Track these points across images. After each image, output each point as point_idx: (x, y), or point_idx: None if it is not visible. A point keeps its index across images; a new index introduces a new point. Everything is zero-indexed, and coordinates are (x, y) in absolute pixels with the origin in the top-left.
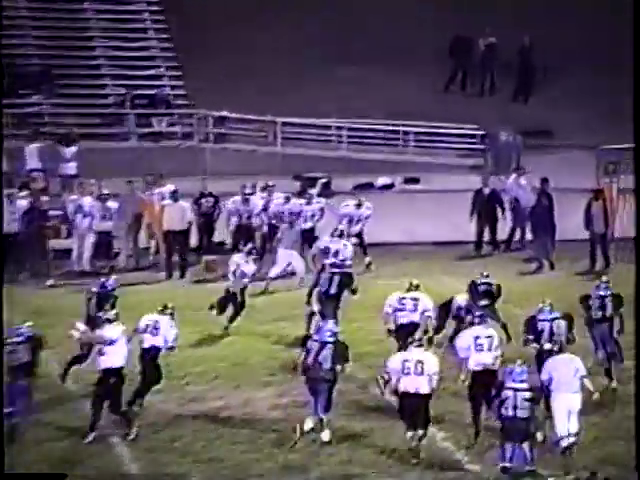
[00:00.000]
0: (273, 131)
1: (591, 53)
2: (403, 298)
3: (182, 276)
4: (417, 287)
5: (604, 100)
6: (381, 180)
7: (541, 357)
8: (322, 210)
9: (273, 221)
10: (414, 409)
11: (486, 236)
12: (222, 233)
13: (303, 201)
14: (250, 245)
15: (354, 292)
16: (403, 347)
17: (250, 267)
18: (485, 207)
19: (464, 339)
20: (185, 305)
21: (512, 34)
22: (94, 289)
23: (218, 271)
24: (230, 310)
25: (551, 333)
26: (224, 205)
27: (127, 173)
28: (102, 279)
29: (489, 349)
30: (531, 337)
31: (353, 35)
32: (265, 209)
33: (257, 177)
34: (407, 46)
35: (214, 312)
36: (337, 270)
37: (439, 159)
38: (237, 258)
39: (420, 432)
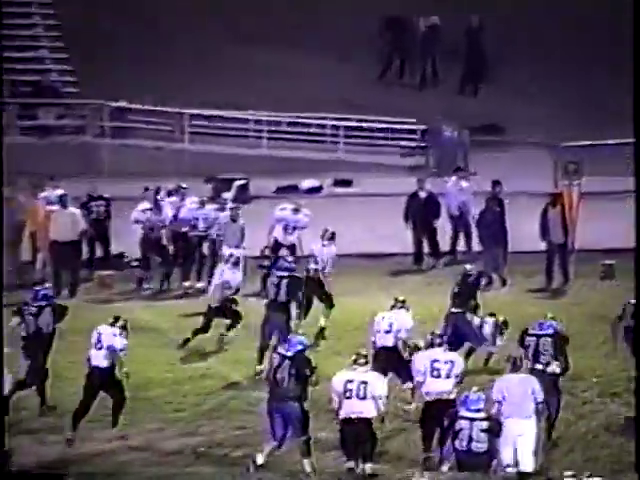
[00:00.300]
0: (180, 125)
1: (552, 38)
2: (382, 318)
3: (72, 294)
4: (403, 303)
5: (564, 92)
6: (307, 182)
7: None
8: None
9: (185, 229)
10: (357, 437)
11: (426, 247)
12: (122, 243)
13: (216, 206)
14: (235, 253)
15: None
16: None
17: (237, 277)
18: (421, 214)
19: (420, 361)
20: (74, 328)
21: (459, 14)
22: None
23: (113, 288)
24: (224, 322)
25: (536, 351)
26: (128, 212)
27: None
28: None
29: (447, 376)
30: (522, 352)
31: (274, 15)
32: (175, 216)
33: (162, 179)
34: (337, 28)
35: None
36: (285, 273)
37: (374, 158)
38: (221, 268)
39: (364, 467)
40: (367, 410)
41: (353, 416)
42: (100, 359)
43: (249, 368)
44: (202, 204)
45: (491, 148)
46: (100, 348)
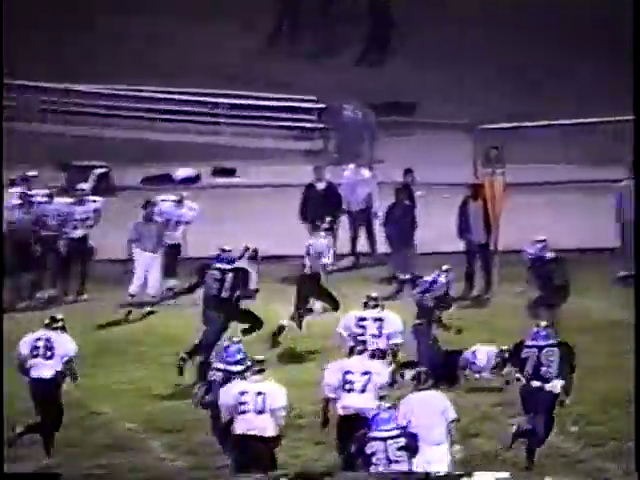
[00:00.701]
0: (24, 102)
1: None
2: (363, 319)
3: None
4: (376, 301)
5: (487, 64)
6: (182, 171)
7: (525, 397)
8: (98, 212)
9: (37, 227)
10: (252, 457)
11: None
12: None
13: (71, 200)
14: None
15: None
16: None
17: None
18: (319, 208)
19: (331, 374)
20: None
21: None
22: None
23: None
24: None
25: (538, 365)
26: None
27: None
28: None
29: (363, 390)
30: (515, 368)
31: None
32: (27, 211)
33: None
34: None
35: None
36: (228, 266)
37: (262, 142)
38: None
39: None
40: (263, 426)
41: (248, 433)
42: (45, 369)
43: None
44: (50, 197)
45: (401, 130)
46: (50, 357)
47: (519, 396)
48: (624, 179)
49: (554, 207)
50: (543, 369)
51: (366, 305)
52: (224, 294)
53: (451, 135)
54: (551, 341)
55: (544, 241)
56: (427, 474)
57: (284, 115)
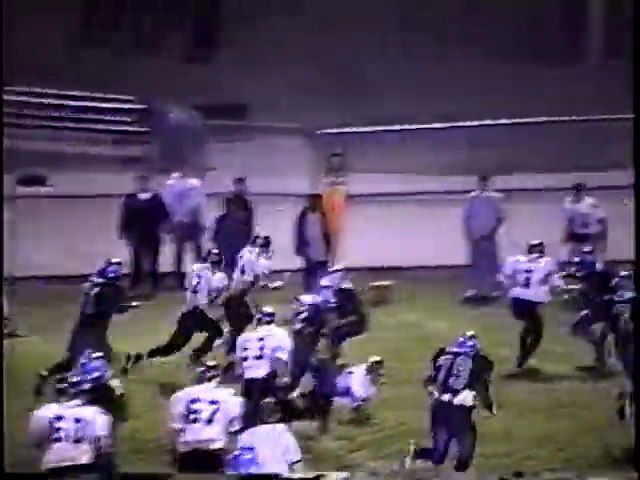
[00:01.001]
0: None
1: None
2: (247, 340)
3: None
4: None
5: (326, 60)
6: None
7: (435, 411)
8: None
9: None
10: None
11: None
12: None
13: None
14: (214, 251)
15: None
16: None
17: (217, 277)
18: (142, 223)
19: (177, 403)
20: None
21: None
22: None
23: None
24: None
25: (448, 374)
26: None
27: None
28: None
29: (209, 420)
30: (430, 375)
31: None
32: None
33: None
34: None
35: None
36: (100, 280)
37: (75, 148)
38: (199, 268)
39: None
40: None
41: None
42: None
43: None
44: None
45: (233, 136)
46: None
47: (430, 411)
48: (474, 189)
49: (404, 220)
50: (452, 379)
51: (259, 322)
52: (88, 309)
53: (288, 141)
54: (468, 351)
55: (341, 270)
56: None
57: (99, 117)
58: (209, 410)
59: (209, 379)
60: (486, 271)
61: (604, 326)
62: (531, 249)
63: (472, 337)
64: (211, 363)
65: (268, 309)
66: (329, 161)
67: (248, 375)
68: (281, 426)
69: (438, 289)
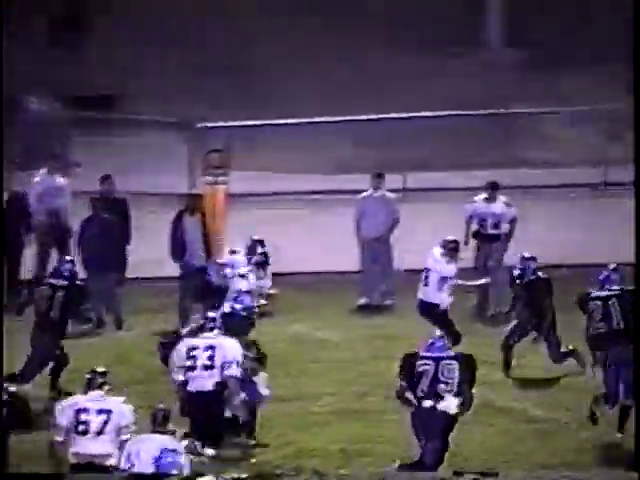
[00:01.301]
0: None
1: None
2: (194, 348)
3: None
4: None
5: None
6: None
7: (416, 419)
8: None
9: None
10: None
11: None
12: None
13: None
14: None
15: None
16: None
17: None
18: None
19: (63, 411)
20: None
21: None
22: None
23: None
24: None
25: (434, 380)
26: None
27: None
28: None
29: (99, 432)
30: (404, 384)
31: None
32: None
33: None
34: None
35: None
36: (63, 282)
37: None
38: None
39: None
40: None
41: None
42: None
43: None
44: None
45: (100, 129)
46: None
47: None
48: (366, 190)
49: (290, 222)
50: (441, 386)
51: (202, 328)
52: (53, 314)
53: (162, 135)
54: (449, 352)
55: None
56: None
57: None
58: (98, 421)
59: (99, 386)
60: (379, 277)
61: (537, 336)
62: (446, 245)
63: (441, 337)
64: (100, 369)
65: (211, 314)
66: (207, 158)
67: (193, 387)
68: (158, 436)
69: (327, 297)
